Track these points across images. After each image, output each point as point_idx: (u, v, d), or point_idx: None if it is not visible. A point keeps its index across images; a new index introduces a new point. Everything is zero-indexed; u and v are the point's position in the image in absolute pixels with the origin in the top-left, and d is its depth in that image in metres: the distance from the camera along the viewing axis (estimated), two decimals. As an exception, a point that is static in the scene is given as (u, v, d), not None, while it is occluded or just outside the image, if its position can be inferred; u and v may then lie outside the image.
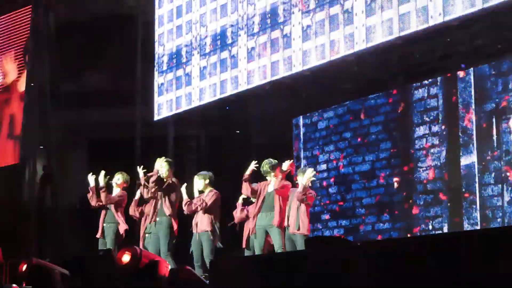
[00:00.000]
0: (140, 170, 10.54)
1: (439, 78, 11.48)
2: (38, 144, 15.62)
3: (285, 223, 9.65)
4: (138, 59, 14.83)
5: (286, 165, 9.86)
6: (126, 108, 14.82)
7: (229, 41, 12.62)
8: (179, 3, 13.74)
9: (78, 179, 13.79)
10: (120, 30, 15.21)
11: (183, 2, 13.67)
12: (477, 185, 10.79)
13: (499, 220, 10.52)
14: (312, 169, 9.91)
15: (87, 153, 16.13)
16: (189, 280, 7.07)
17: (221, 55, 12.75)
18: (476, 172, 10.81)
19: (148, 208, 10.53)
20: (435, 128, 11.45)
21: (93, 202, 11.04)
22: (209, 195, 10.20)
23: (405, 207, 11.75)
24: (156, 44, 14.21)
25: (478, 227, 10.66)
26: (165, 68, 13.94)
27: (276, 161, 9.96)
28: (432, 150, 11.45)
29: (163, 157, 10.59)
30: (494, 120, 10.69)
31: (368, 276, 5.08)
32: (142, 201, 10.75)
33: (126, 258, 7.01)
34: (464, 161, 10.99)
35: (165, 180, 10.38)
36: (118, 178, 11.12)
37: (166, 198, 10.26)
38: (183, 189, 10.34)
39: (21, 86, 15.97)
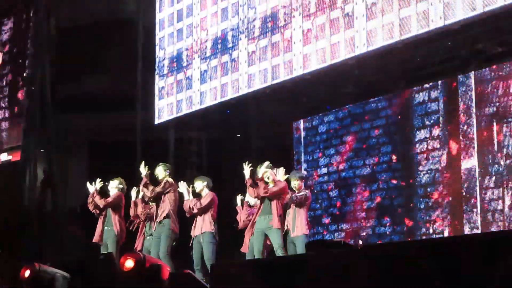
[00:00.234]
0: (143, 169, 10.51)
1: (439, 82, 11.48)
2: (38, 148, 15.61)
3: (285, 227, 9.66)
4: (138, 63, 14.85)
5: (261, 171, 9.79)
6: (127, 112, 14.82)
7: (230, 44, 12.63)
8: (180, 7, 13.75)
9: (78, 182, 13.81)
10: (120, 34, 15.23)
11: (183, 6, 13.67)
12: (477, 188, 10.78)
13: (499, 223, 10.51)
14: (282, 168, 9.82)
15: (88, 156, 16.14)
16: (189, 284, 7.07)
17: (222, 59, 12.75)
18: (477, 176, 10.81)
19: (148, 210, 10.54)
20: (435, 132, 11.45)
21: (91, 208, 11.06)
22: (205, 197, 10.21)
23: (405, 211, 11.74)
24: (157, 48, 14.22)
25: (479, 231, 10.65)
26: (165, 71, 13.94)
27: (264, 165, 9.90)
28: (432, 154, 11.44)
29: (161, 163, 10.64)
30: (494, 123, 10.68)
31: (368, 280, 5.08)
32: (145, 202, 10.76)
33: (130, 263, 6.97)
34: (465, 164, 10.98)
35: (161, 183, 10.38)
36: (113, 183, 11.08)
37: (166, 200, 10.27)
38: (184, 189, 10.32)
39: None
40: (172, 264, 9.72)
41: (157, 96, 14.07)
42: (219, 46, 12.85)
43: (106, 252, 10.78)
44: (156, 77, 14.14)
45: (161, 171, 10.49)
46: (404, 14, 10.04)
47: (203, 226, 10.07)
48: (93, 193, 11.02)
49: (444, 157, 11.30)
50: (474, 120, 10.91)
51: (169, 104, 13.78)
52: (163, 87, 13.96)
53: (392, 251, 5.22)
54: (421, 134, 11.62)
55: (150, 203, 10.65)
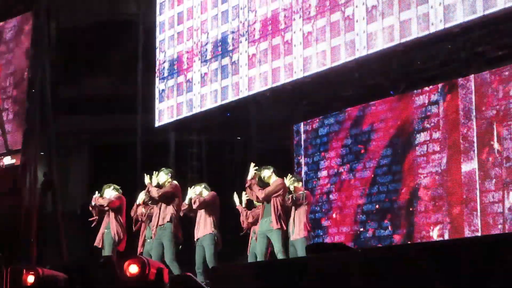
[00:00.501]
0: (147, 179, 10.42)
1: (440, 85, 11.48)
2: (39, 150, 15.61)
3: (285, 228, 9.66)
4: (139, 66, 14.86)
5: (251, 174, 9.77)
6: (127, 114, 14.83)
7: (230, 47, 12.64)
8: (180, 10, 13.76)
9: (79, 185, 13.83)
10: (121, 36, 15.25)
11: (184, 9, 13.69)
12: (478, 191, 10.78)
13: (500, 226, 10.51)
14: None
15: (88, 159, 16.15)
16: (189, 286, 7.07)
17: (222, 62, 12.77)
18: (477, 179, 10.81)
19: (150, 212, 10.49)
20: (436, 135, 11.45)
21: (95, 215, 11.01)
22: (208, 194, 10.14)
23: (406, 214, 11.74)
24: (157, 50, 14.23)
25: (479, 234, 10.65)
26: (166, 74, 13.95)
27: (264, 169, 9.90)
28: (433, 157, 11.44)
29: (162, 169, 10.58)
30: (495, 126, 10.69)
31: (368, 283, 5.08)
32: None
33: (134, 269, 6.94)
34: (465, 167, 10.98)
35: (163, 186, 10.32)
36: (109, 191, 11.00)
37: (170, 203, 10.18)
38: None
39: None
40: (180, 270, 9.66)
41: (157, 98, 14.08)
42: (220, 49, 12.86)
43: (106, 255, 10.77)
44: (157, 79, 14.16)
45: (163, 176, 10.40)
46: (404, 17, 10.05)
47: (204, 229, 10.03)
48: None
49: (444, 160, 11.30)
50: (474, 123, 10.91)
51: (169, 106, 13.78)
52: (163, 90, 13.97)
53: (392, 254, 5.22)
54: (421, 137, 11.62)
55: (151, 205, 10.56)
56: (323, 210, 12.93)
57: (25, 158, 15.60)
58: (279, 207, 9.53)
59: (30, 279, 7.93)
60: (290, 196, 9.68)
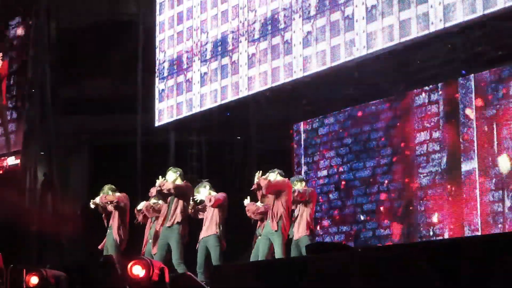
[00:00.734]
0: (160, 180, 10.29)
1: (439, 84, 11.48)
2: (39, 151, 15.61)
3: (284, 231, 9.65)
4: (139, 65, 14.85)
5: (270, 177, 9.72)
6: (127, 114, 14.82)
7: (230, 47, 12.63)
8: (180, 10, 13.76)
9: (79, 185, 13.82)
10: (121, 36, 15.24)
11: (183, 9, 13.68)
12: (477, 191, 10.79)
13: (500, 226, 10.51)
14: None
15: (88, 159, 16.14)
16: (189, 286, 7.07)
17: (222, 61, 12.76)
18: (477, 178, 10.81)
19: (156, 213, 10.41)
20: (435, 134, 11.45)
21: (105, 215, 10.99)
22: (220, 194, 10.04)
23: (406, 214, 11.74)
24: (157, 50, 14.23)
25: (479, 233, 10.65)
26: (166, 74, 13.95)
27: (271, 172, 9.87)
28: (432, 156, 11.44)
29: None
30: (494, 126, 10.69)
31: (368, 282, 5.08)
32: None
33: (138, 270, 6.93)
34: (465, 167, 10.98)
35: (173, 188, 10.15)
36: (109, 196, 10.95)
37: (179, 204, 10.08)
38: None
39: None
40: (186, 271, 9.60)
41: (157, 98, 14.07)
42: (219, 48, 12.86)
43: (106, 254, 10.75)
44: (156, 79, 14.15)
45: (172, 175, 10.23)
46: (404, 17, 10.05)
47: (209, 229, 9.94)
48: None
49: (444, 160, 11.31)
50: (474, 122, 10.91)
51: (169, 106, 13.78)
52: (163, 90, 13.97)
53: (392, 254, 5.22)
54: (421, 136, 11.62)
55: (161, 202, 10.40)
56: (323, 210, 12.93)
57: (25, 158, 15.60)
58: (280, 209, 9.50)
59: (34, 280, 7.90)
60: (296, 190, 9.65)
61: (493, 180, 10.63)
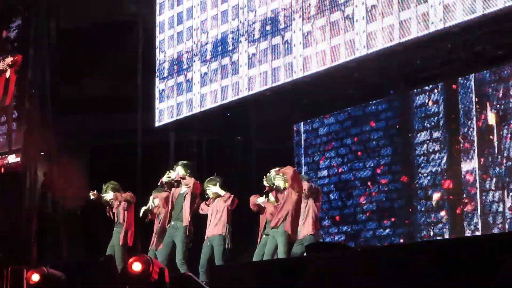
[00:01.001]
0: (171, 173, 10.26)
1: (440, 84, 11.48)
2: (39, 151, 15.60)
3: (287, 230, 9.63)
4: (139, 66, 14.85)
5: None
6: (127, 115, 14.83)
7: (230, 47, 12.63)
8: (180, 10, 13.76)
9: (79, 185, 13.80)
10: (121, 37, 15.24)
11: (183, 9, 13.68)
12: (478, 191, 10.79)
13: (500, 226, 10.51)
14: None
15: (88, 159, 16.13)
16: (189, 286, 7.07)
17: (222, 62, 12.76)
18: (477, 178, 10.81)
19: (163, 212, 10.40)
20: (436, 134, 11.45)
21: (114, 208, 10.97)
22: (232, 197, 10.03)
23: (406, 213, 11.74)
24: (157, 51, 14.23)
25: (479, 233, 10.65)
26: (166, 74, 13.95)
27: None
28: (433, 156, 11.44)
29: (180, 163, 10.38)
30: (495, 126, 10.69)
31: (369, 282, 5.08)
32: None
33: (137, 266, 6.94)
34: (465, 167, 10.98)
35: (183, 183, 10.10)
36: (109, 195, 10.95)
37: (187, 203, 10.04)
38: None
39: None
40: (186, 271, 9.59)
41: (157, 98, 14.07)
42: (219, 48, 12.86)
43: (111, 252, 10.76)
44: (157, 79, 14.15)
45: (181, 171, 10.18)
46: (404, 17, 10.05)
47: (215, 229, 9.93)
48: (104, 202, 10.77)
49: (444, 160, 11.31)
50: (474, 122, 10.91)
51: (169, 106, 13.78)
52: (163, 90, 13.97)
53: (392, 254, 5.22)
54: (421, 136, 11.62)
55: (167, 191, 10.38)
56: (323, 210, 12.93)
57: (25, 158, 15.59)
58: (286, 206, 9.45)
59: (35, 277, 7.92)
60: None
61: (493, 180, 10.63)
